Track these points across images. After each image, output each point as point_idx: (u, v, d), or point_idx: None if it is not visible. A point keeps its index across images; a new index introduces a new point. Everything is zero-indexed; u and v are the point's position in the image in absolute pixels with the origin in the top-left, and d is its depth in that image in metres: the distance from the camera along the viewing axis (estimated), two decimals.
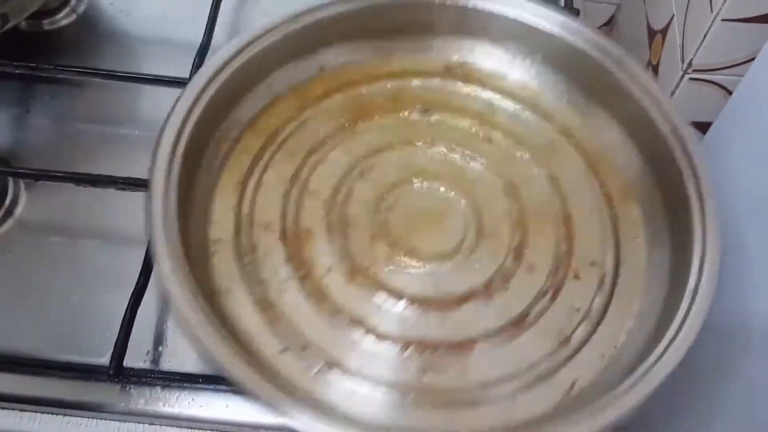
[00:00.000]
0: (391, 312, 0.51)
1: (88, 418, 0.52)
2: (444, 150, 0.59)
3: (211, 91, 0.53)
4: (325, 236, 0.53)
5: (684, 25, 0.73)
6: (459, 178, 0.57)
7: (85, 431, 0.52)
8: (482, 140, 0.60)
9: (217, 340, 0.43)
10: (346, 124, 0.59)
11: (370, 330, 0.50)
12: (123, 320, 0.51)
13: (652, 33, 0.82)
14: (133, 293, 0.51)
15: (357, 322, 0.50)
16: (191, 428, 0.53)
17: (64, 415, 0.52)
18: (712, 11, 0.66)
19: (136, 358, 0.53)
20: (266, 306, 0.50)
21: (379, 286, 0.51)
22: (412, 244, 0.53)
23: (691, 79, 0.73)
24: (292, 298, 0.50)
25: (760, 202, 0.60)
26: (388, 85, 0.61)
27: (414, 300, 0.51)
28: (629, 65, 0.57)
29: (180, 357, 0.54)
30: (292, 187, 0.56)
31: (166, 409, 0.52)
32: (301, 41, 0.58)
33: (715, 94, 0.73)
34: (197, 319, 0.43)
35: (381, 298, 0.51)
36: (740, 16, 0.65)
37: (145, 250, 0.53)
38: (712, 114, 0.71)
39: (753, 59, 0.65)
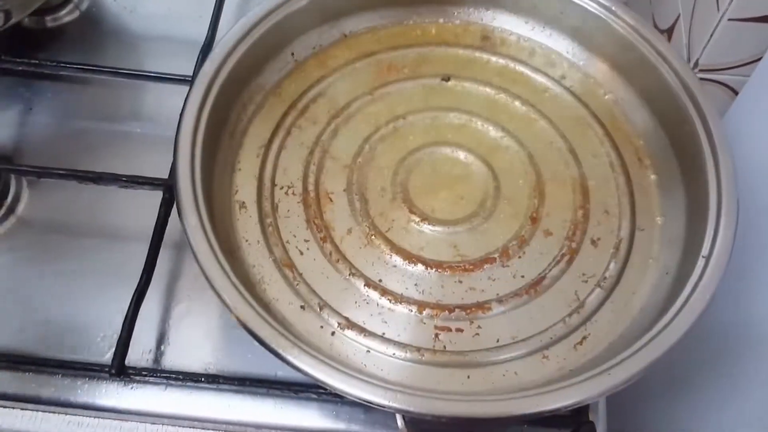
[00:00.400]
0: (409, 274, 0.52)
1: (90, 417, 0.51)
2: (464, 117, 0.60)
3: (236, 56, 0.55)
4: (345, 199, 0.55)
5: (690, 24, 0.72)
6: (478, 144, 0.58)
7: (86, 431, 0.51)
8: (502, 108, 0.60)
9: (233, 290, 0.44)
10: (368, 91, 0.60)
11: (387, 292, 0.51)
12: (125, 318, 0.50)
13: (659, 32, 0.81)
14: (135, 291, 0.51)
15: (374, 283, 0.51)
16: (193, 428, 0.51)
17: (66, 414, 0.51)
18: (718, 11, 0.66)
19: (138, 356, 0.52)
20: (287, 265, 0.51)
21: (397, 249, 0.53)
22: (430, 208, 0.55)
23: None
24: (311, 259, 0.52)
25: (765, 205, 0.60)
26: (410, 53, 0.63)
27: (431, 263, 0.52)
28: (651, 37, 0.58)
29: (183, 355, 0.53)
30: (314, 151, 0.57)
31: (168, 409, 0.51)
32: (325, 8, 0.60)
33: (722, 94, 0.72)
34: (217, 273, 0.45)
35: (398, 260, 0.52)
36: (747, 16, 0.64)
37: (148, 248, 0.53)
38: (720, 114, 0.70)
39: (760, 59, 0.64)
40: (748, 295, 0.61)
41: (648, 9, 0.85)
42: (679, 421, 0.70)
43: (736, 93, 0.71)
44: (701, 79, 0.71)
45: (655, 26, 0.82)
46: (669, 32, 0.78)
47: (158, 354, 0.53)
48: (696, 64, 0.70)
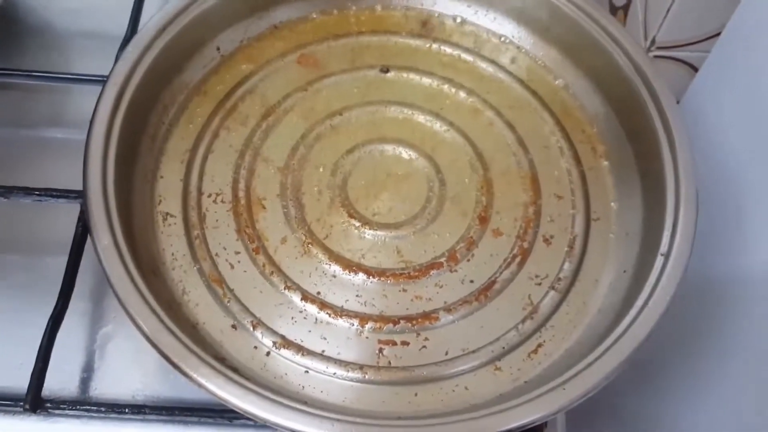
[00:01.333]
0: (349, 284, 0.49)
1: None
2: (406, 110, 0.57)
3: (154, 52, 0.51)
4: (278, 205, 0.52)
5: (646, 0, 0.70)
6: (421, 140, 0.55)
7: None
8: (445, 99, 0.57)
9: (149, 314, 0.41)
10: (302, 86, 0.57)
11: (326, 305, 0.48)
12: (39, 347, 0.46)
13: (614, 9, 0.79)
14: (50, 317, 0.46)
15: (312, 297, 0.48)
16: None
17: None
18: None
19: (60, 385, 0.48)
20: (216, 281, 0.48)
21: (336, 257, 0.50)
22: (371, 212, 0.52)
23: (655, 56, 0.70)
24: (243, 273, 0.49)
25: (730, 179, 0.58)
26: (346, 43, 0.59)
27: (373, 271, 0.49)
28: (601, 17, 0.56)
29: (110, 382, 0.49)
30: (244, 154, 0.54)
31: None
32: None
33: (681, 72, 0.70)
34: (132, 295, 0.42)
35: (338, 269, 0.49)
36: None
37: (65, 267, 0.49)
38: (678, 92, 0.69)
39: (719, 34, 0.62)
40: (710, 287, 0.59)
41: None
42: (651, 423, 0.69)
43: (696, 70, 0.69)
44: (659, 56, 0.70)
45: (611, 2, 0.80)
46: (625, 8, 0.76)
47: (82, 382, 0.49)
48: (653, 41, 0.68)
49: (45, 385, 0.46)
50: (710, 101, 0.63)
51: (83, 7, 0.66)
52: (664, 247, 0.45)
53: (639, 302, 0.43)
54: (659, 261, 0.45)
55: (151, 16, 0.53)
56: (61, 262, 0.49)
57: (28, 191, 0.52)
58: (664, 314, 0.43)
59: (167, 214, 0.50)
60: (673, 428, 0.64)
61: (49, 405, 0.46)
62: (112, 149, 0.47)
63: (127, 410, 0.46)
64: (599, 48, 0.55)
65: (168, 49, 0.52)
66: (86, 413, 0.47)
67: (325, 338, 0.47)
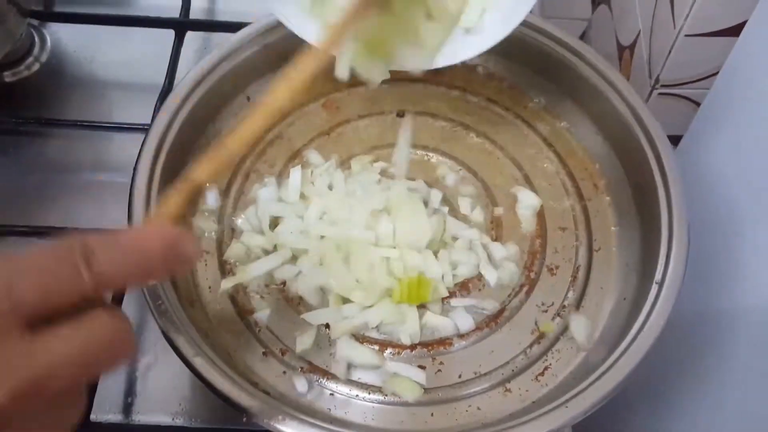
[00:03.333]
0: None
1: None
2: (420, 152, 0.60)
3: (191, 103, 0.55)
4: None
5: (650, 41, 0.73)
6: (433, 176, 0.59)
7: None
8: (457, 140, 0.61)
9: (188, 344, 0.45)
10: (325, 131, 0.61)
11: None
12: None
13: (621, 49, 0.82)
14: None
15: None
16: None
17: None
18: (675, 27, 0.66)
19: (106, 410, 0.52)
20: (248, 312, 0.52)
21: None
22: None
23: (659, 94, 0.73)
24: (272, 304, 0.52)
25: (732, 211, 0.60)
26: (363, 90, 0.62)
27: None
28: (598, 65, 0.58)
29: (151, 406, 0.52)
30: None
31: None
32: (278, 51, 0.59)
33: (684, 108, 0.73)
34: (172, 326, 0.45)
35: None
36: (702, 31, 0.65)
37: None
38: (683, 127, 0.71)
39: (717, 73, 0.65)
40: (709, 296, 0.62)
41: (611, 25, 0.85)
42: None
43: (698, 105, 0.71)
44: (664, 93, 0.72)
45: (618, 42, 0.82)
46: (631, 48, 0.78)
47: (126, 407, 0.52)
48: (657, 79, 0.71)
49: (93, 409, 0.49)
50: (711, 134, 0.65)
51: (124, 60, 0.70)
52: (658, 276, 0.48)
53: (635, 327, 0.46)
54: (654, 289, 0.47)
55: (188, 71, 0.56)
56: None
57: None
58: (659, 338, 0.45)
59: (202, 251, 0.54)
60: None
61: (98, 429, 0.50)
62: (154, 190, 0.51)
63: None
64: (599, 93, 0.57)
65: (203, 100, 0.56)
66: None
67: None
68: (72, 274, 0.29)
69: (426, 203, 0.55)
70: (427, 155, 0.60)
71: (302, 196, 0.56)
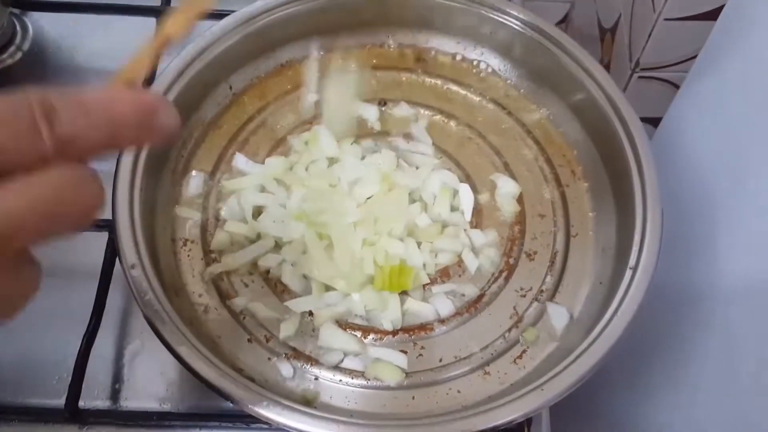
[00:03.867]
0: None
1: None
2: (399, 138, 0.60)
3: (174, 93, 0.55)
4: None
5: (630, 25, 0.74)
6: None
7: None
8: (436, 127, 0.61)
9: (173, 332, 0.45)
10: (308, 119, 0.61)
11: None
12: (75, 362, 0.50)
13: (603, 31, 0.83)
14: (84, 335, 0.51)
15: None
16: None
17: None
18: (654, 11, 0.67)
19: (94, 396, 0.53)
20: (232, 299, 0.53)
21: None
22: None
23: (639, 77, 0.73)
24: (256, 291, 0.53)
25: (708, 189, 0.61)
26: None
27: None
28: (576, 53, 0.58)
29: (138, 393, 0.53)
30: None
31: None
32: (260, 40, 0.60)
33: (664, 90, 0.74)
34: (158, 316, 0.46)
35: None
36: (681, 15, 0.66)
37: (96, 289, 0.53)
38: (662, 109, 0.72)
39: (695, 56, 0.66)
40: (686, 294, 0.63)
41: (593, 8, 0.86)
42: (630, 421, 0.72)
43: (677, 87, 0.72)
44: (644, 77, 0.73)
45: (600, 25, 0.83)
46: (612, 31, 0.79)
47: (113, 393, 0.53)
48: (638, 63, 0.72)
49: (80, 396, 0.50)
50: (689, 115, 0.66)
51: (106, 48, 0.70)
52: (632, 261, 0.49)
53: (609, 312, 0.47)
54: (628, 274, 0.48)
55: (170, 60, 0.56)
56: (93, 285, 0.53)
57: None
58: (632, 322, 0.46)
59: (186, 240, 0.54)
60: (650, 425, 0.68)
61: (86, 414, 0.50)
62: (138, 182, 0.51)
63: (154, 417, 0.51)
64: (577, 82, 0.58)
65: (186, 90, 0.56)
66: (120, 422, 0.51)
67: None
68: (29, 131, 0.25)
69: (410, 192, 0.56)
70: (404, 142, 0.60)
71: (283, 184, 0.56)
